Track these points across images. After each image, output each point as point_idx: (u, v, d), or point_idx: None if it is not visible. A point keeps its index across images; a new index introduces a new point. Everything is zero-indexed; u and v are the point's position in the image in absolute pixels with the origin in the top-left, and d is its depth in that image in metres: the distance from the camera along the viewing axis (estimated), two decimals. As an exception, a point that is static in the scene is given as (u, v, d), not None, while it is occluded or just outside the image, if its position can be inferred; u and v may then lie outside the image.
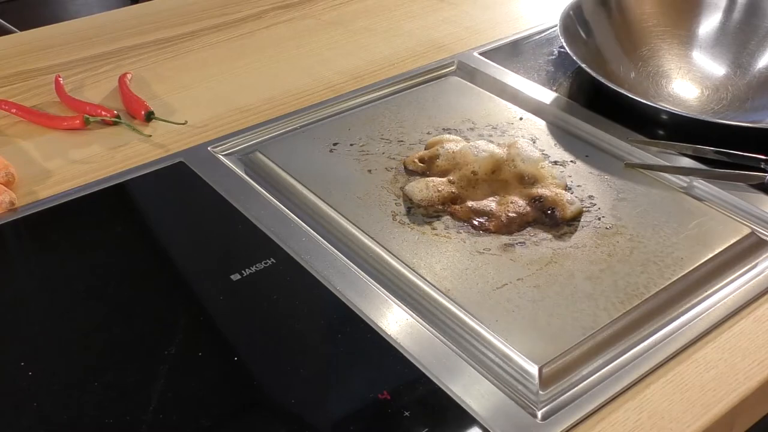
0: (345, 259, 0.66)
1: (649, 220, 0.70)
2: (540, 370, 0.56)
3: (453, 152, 0.75)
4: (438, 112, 0.86)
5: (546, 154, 0.79)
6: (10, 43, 1.04)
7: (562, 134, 0.82)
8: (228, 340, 0.59)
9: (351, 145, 0.80)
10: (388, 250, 0.66)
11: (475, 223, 0.69)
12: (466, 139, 0.79)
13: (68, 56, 0.98)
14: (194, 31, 1.05)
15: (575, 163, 0.78)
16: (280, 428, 0.53)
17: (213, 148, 0.80)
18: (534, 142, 0.80)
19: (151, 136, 0.83)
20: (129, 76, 0.92)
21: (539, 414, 0.54)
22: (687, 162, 0.78)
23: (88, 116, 0.83)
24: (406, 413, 0.53)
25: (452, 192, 0.71)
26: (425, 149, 0.78)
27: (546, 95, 0.90)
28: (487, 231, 0.69)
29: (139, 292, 0.63)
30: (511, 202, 0.71)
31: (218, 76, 0.95)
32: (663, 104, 0.90)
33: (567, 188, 0.74)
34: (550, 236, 0.68)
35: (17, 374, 0.55)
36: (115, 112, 0.85)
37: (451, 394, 0.54)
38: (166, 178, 0.76)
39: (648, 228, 0.69)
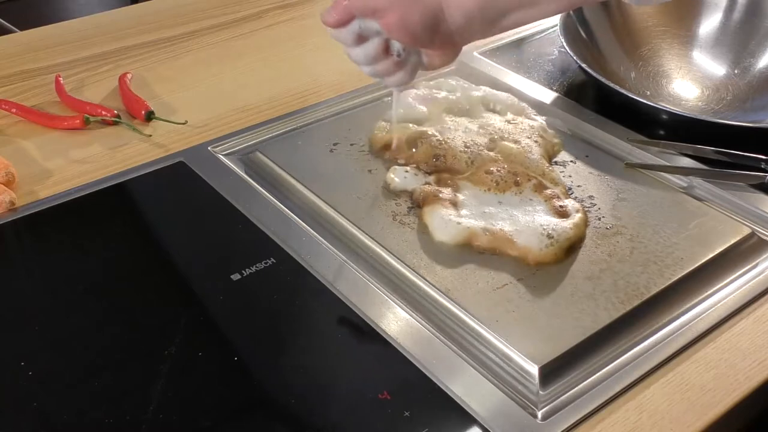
0: (345, 259, 0.66)
1: (649, 220, 0.70)
2: (540, 370, 0.56)
3: (453, 153, 0.75)
4: (438, 112, 0.86)
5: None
6: (10, 43, 1.04)
7: (561, 134, 0.82)
8: (228, 340, 0.59)
9: (351, 145, 0.80)
10: (388, 250, 0.66)
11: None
12: (467, 146, 0.78)
13: (68, 56, 0.98)
14: (194, 31, 1.05)
15: (575, 163, 0.78)
16: (280, 428, 0.53)
17: (213, 147, 0.80)
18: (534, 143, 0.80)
19: (151, 135, 0.83)
20: (129, 75, 0.92)
21: (539, 414, 0.54)
22: (687, 162, 0.78)
23: (88, 116, 0.83)
24: (406, 413, 0.53)
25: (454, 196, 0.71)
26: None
27: (546, 95, 0.90)
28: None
29: (139, 292, 0.63)
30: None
31: (218, 76, 0.95)
32: (663, 104, 0.90)
33: (567, 189, 0.74)
34: (550, 236, 0.68)
35: (17, 374, 0.55)
36: (115, 111, 0.85)
37: (451, 394, 0.54)
38: (166, 178, 0.76)
39: (648, 228, 0.69)
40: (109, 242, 0.69)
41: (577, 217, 0.68)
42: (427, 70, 0.70)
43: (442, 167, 0.74)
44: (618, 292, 0.62)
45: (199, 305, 0.62)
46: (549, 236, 0.65)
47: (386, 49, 0.66)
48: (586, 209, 0.71)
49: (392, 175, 0.74)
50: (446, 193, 0.70)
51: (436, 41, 0.64)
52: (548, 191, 0.70)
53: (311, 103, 0.88)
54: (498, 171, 0.72)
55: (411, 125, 0.79)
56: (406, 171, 0.74)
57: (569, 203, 0.70)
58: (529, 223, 0.67)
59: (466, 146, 0.76)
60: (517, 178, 0.71)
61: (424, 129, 0.78)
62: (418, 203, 0.71)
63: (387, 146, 0.78)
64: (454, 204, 0.69)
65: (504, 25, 0.63)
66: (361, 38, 0.65)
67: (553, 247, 0.65)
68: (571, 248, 0.66)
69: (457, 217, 0.68)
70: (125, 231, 0.71)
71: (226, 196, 0.72)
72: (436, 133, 0.77)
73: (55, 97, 0.89)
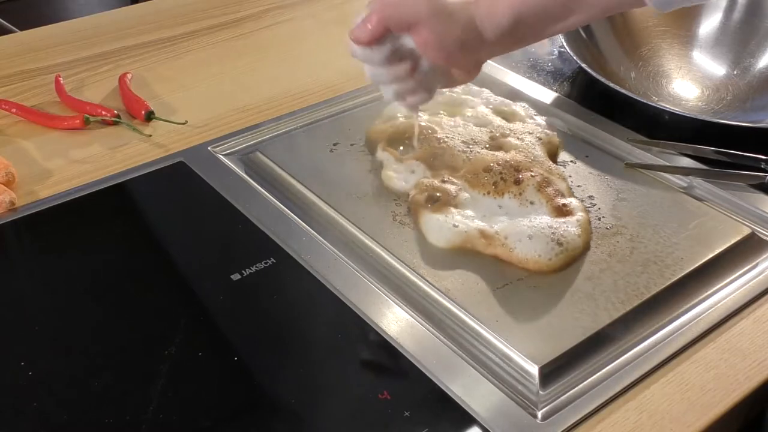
0: (345, 258, 0.66)
1: (649, 220, 0.70)
2: (540, 370, 0.56)
3: (451, 152, 0.75)
4: (438, 112, 0.86)
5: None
6: (10, 43, 1.04)
7: (561, 134, 0.82)
8: (228, 340, 0.59)
9: (351, 145, 0.80)
10: (388, 250, 0.66)
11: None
12: (468, 145, 0.78)
13: (68, 56, 0.98)
14: (194, 31, 1.05)
15: (575, 163, 0.78)
16: (280, 428, 0.53)
17: (213, 147, 0.80)
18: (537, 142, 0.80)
19: (151, 135, 0.83)
20: (129, 75, 0.92)
21: (539, 414, 0.54)
22: (687, 162, 0.78)
23: (88, 116, 0.83)
24: (406, 413, 0.53)
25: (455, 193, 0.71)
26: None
27: (546, 95, 0.90)
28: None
29: (139, 292, 0.63)
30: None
31: (218, 76, 0.95)
32: (663, 104, 0.90)
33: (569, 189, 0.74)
34: (550, 236, 0.68)
35: (17, 374, 0.55)
36: (115, 111, 0.85)
37: (451, 394, 0.54)
38: (166, 177, 0.76)
39: (648, 228, 0.69)
40: (109, 242, 0.69)
41: (580, 216, 0.68)
42: (446, 87, 0.68)
43: (441, 166, 0.74)
44: (618, 292, 0.62)
45: (199, 305, 0.62)
46: (559, 243, 0.65)
47: (413, 69, 0.63)
48: (587, 209, 0.71)
49: (391, 175, 0.74)
50: (447, 189, 0.70)
51: (466, 58, 0.63)
52: (551, 189, 0.70)
53: (311, 103, 0.88)
54: (497, 166, 0.71)
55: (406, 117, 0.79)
56: (404, 169, 0.74)
57: (572, 201, 0.69)
58: (533, 231, 0.65)
59: (466, 145, 0.76)
60: (519, 175, 0.70)
61: (424, 125, 0.78)
62: (414, 207, 0.71)
63: (383, 138, 0.78)
64: (455, 205, 0.69)
65: (531, 39, 0.63)
66: (392, 59, 0.62)
67: (563, 255, 0.64)
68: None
69: (454, 219, 0.68)
70: (125, 231, 0.71)
71: (226, 196, 0.72)
72: (436, 128, 0.77)
73: (55, 97, 0.89)
